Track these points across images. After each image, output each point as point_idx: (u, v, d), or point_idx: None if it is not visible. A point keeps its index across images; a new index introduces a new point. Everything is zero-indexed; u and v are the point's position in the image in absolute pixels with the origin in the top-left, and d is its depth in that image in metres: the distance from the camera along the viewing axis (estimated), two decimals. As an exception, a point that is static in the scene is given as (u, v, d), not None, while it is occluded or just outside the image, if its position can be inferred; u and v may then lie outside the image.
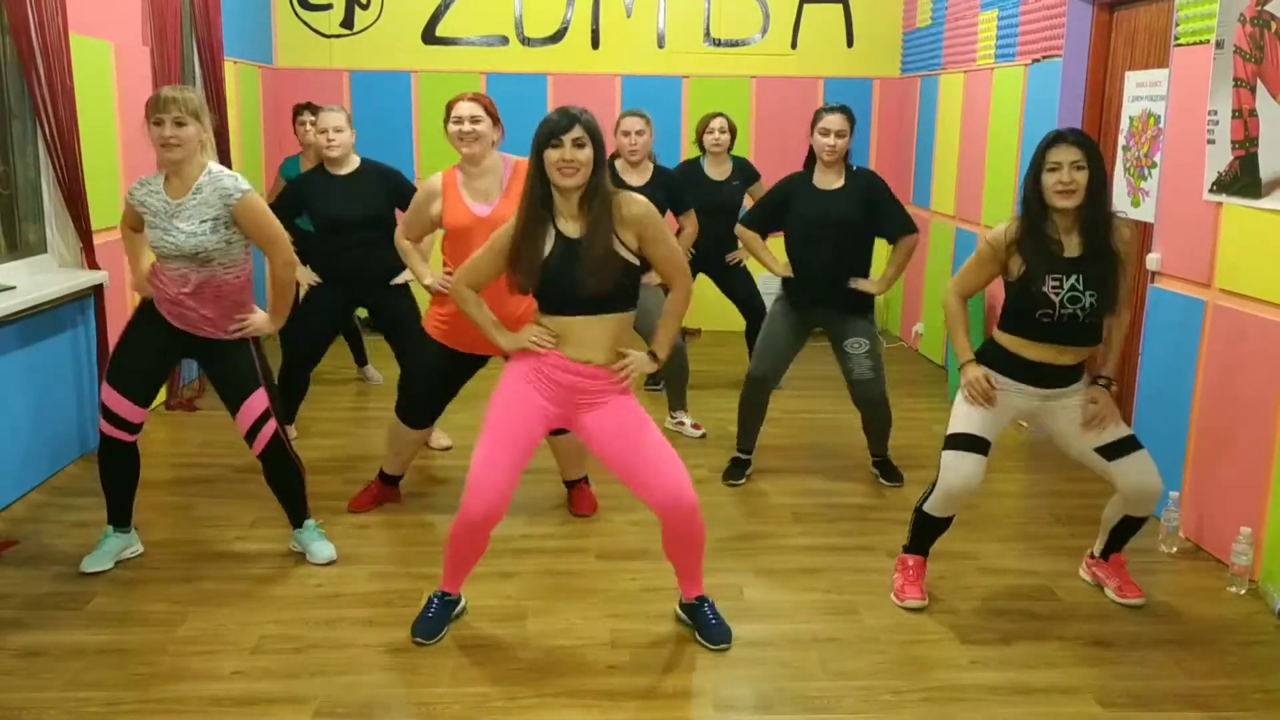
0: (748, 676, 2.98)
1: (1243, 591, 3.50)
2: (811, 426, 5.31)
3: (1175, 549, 3.83)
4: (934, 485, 3.30)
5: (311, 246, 4.76)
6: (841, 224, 4.23)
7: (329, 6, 7.25)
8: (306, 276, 4.61)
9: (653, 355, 3.08)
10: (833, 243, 4.25)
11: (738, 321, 5.68)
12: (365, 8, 7.27)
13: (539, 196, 2.89)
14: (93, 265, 4.57)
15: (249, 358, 3.46)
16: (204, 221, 3.27)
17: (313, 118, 5.63)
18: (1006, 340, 3.24)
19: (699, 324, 7.43)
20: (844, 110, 4.23)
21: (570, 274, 2.86)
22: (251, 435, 3.48)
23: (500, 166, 3.75)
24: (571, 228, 2.90)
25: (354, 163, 4.59)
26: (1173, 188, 4.07)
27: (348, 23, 7.28)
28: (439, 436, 4.85)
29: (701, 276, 5.34)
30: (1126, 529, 3.39)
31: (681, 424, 5.16)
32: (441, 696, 2.83)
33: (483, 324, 3.11)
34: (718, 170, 5.57)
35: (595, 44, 7.39)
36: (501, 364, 3.14)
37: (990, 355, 3.28)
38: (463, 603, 3.27)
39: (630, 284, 2.95)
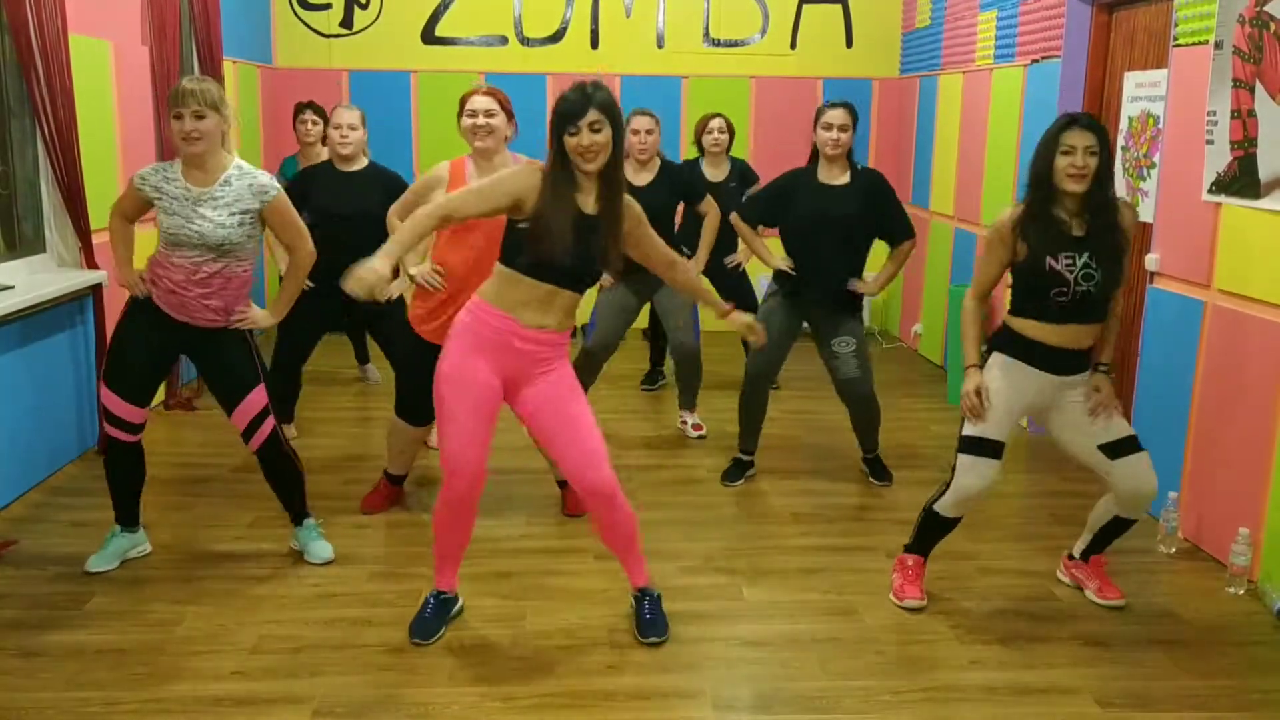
0: (747, 676, 2.98)
1: (1241, 592, 3.50)
2: (811, 427, 5.31)
3: (1174, 549, 3.83)
4: (946, 486, 3.30)
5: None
6: (842, 220, 4.24)
7: (328, 6, 7.25)
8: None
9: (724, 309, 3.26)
10: (832, 239, 4.25)
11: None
12: (364, 7, 7.26)
13: (562, 174, 2.89)
14: (91, 265, 4.57)
15: (247, 353, 3.46)
16: (234, 214, 3.29)
17: (314, 116, 5.65)
18: (1023, 325, 3.23)
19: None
20: (847, 106, 4.25)
21: (587, 247, 2.89)
22: (249, 432, 3.47)
23: (510, 165, 3.73)
24: (588, 203, 2.93)
25: (362, 162, 4.63)
26: (1172, 188, 4.08)
27: (347, 23, 7.28)
28: (437, 436, 4.84)
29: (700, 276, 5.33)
30: (1114, 530, 3.39)
31: (684, 423, 5.16)
32: (439, 696, 2.83)
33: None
34: (716, 171, 5.57)
35: (594, 44, 7.39)
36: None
37: (1007, 341, 3.26)
38: (460, 603, 3.27)
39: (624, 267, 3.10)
